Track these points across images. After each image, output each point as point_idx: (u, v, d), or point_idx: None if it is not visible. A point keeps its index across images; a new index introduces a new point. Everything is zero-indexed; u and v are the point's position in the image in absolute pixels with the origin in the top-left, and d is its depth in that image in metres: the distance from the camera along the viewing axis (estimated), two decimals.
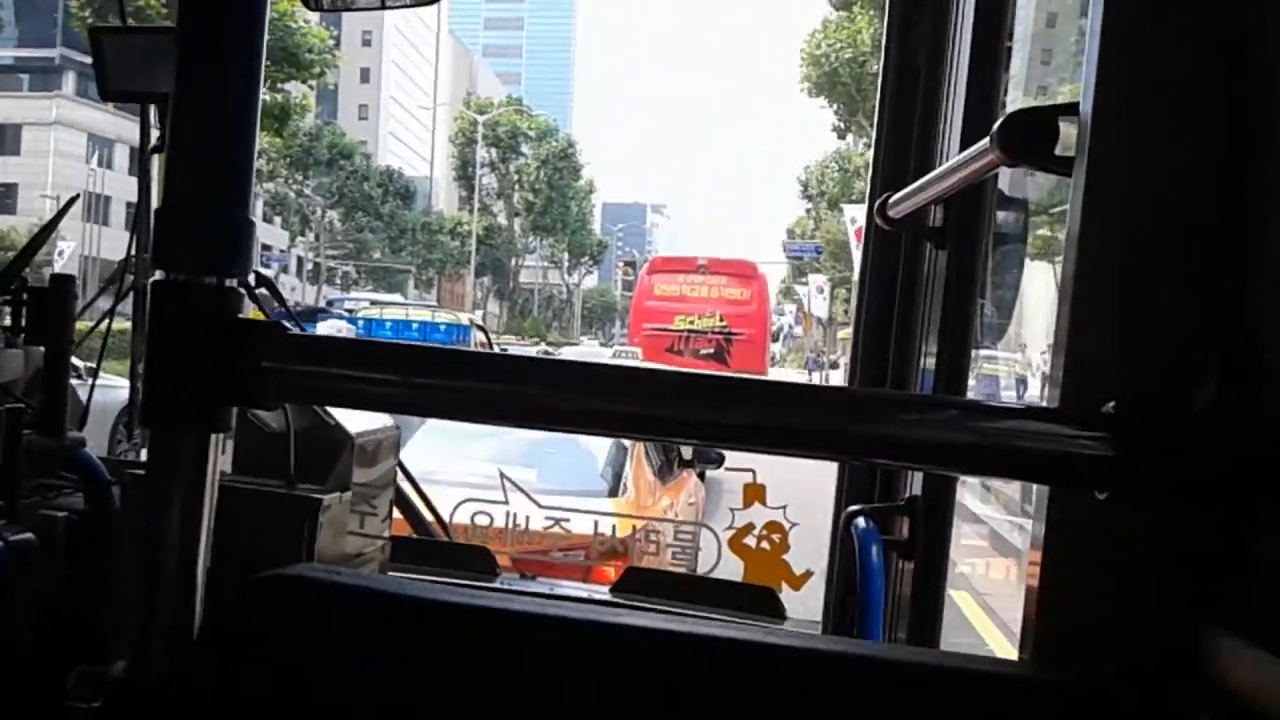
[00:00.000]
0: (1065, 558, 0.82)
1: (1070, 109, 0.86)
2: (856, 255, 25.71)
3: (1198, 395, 0.76)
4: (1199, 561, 0.76)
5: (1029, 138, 0.95)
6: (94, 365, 2.13)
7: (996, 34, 1.58)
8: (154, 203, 2.07)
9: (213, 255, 0.83)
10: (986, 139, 1.04)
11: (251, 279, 1.62)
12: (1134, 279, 0.79)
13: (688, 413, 0.84)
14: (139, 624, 0.86)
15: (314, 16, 29.35)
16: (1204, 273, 0.78)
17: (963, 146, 1.48)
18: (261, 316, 1.69)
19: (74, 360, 1.75)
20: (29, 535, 1.44)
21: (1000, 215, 1.94)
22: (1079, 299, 0.80)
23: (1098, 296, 0.80)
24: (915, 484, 1.67)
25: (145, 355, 0.87)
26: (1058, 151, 0.91)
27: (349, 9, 1.52)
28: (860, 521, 1.64)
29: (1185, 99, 0.79)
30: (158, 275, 0.83)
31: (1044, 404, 0.84)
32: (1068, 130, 0.88)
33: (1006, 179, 1.88)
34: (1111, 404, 0.76)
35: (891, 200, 1.63)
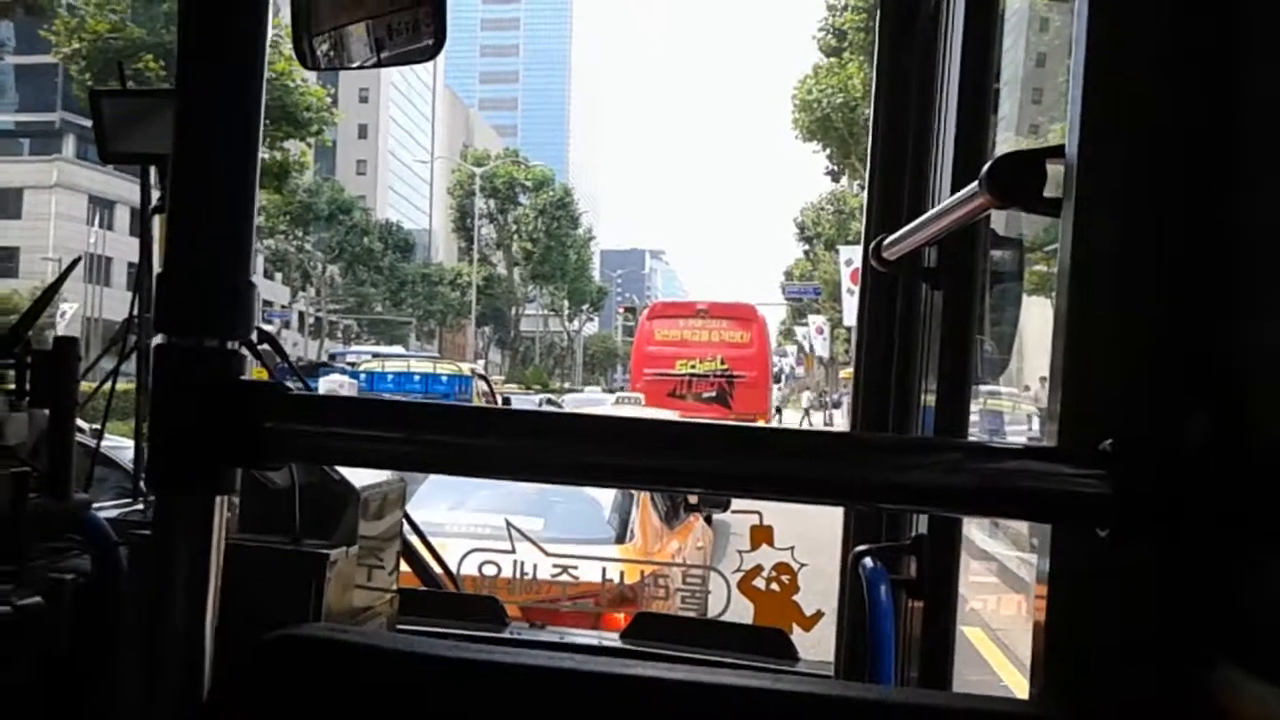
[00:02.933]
0: (1070, 595, 0.82)
1: (1057, 151, 0.87)
2: (848, 299, 25.50)
3: (1194, 431, 0.77)
4: (1202, 596, 0.76)
5: (1017, 180, 0.96)
6: (98, 426, 2.14)
7: (984, 77, 1.60)
8: (155, 263, 2.08)
9: (214, 318, 0.84)
10: (976, 182, 1.05)
11: (254, 336, 1.63)
12: (1127, 317, 0.80)
13: (692, 463, 0.84)
14: (147, 688, 0.86)
15: (311, 75, 29.65)
16: (1196, 309, 0.79)
17: (954, 189, 1.50)
18: (265, 373, 1.70)
19: (79, 422, 1.75)
20: (37, 599, 1.44)
21: (996, 254, 1.95)
22: (1073, 338, 0.81)
23: (1092, 335, 0.81)
24: (921, 523, 1.67)
25: (148, 419, 0.87)
26: (1047, 193, 0.92)
27: (345, 68, 1.54)
28: (868, 561, 1.64)
29: (1170, 139, 0.80)
30: (159, 339, 0.84)
31: (1043, 443, 0.85)
32: (1056, 171, 0.90)
33: (1000, 217, 1.89)
34: (1109, 442, 0.76)
35: (886, 242, 1.64)
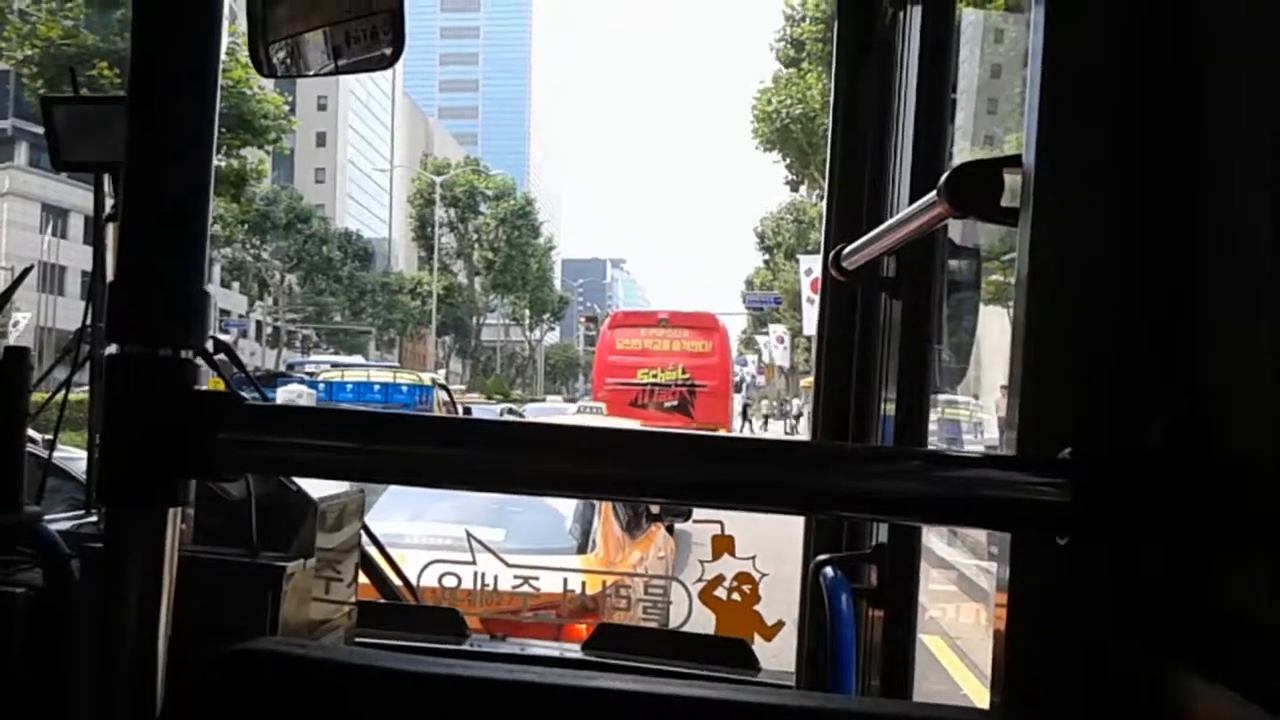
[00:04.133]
0: (1030, 603, 0.82)
1: (1014, 161, 0.88)
2: (808, 308, 25.71)
3: (1152, 438, 0.78)
4: (1161, 603, 0.77)
5: (975, 190, 0.97)
6: (50, 437, 2.10)
7: (941, 87, 1.62)
8: (109, 272, 2.06)
9: (167, 327, 0.83)
10: (934, 192, 1.06)
11: (210, 346, 1.61)
12: (1085, 325, 0.81)
13: (652, 472, 0.84)
14: (100, 703, 0.84)
15: (269, 82, 29.43)
16: (1154, 316, 0.79)
17: (912, 198, 1.51)
18: (220, 384, 1.68)
19: (31, 432, 1.72)
20: None
21: (954, 263, 1.97)
22: (1031, 347, 0.81)
23: (1050, 344, 0.81)
24: (882, 532, 1.68)
25: (101, 429, 0.86)
26: (1004, 202, 0.93)
27: (302, 75, 1.53)
28: (829, 571, 1.65)
29: (1127, 148, 0.81)
30: (112, 348, 0.83)
31: (1002, 451, 0.85)
32: (1014, 180, 0.90)
33: (958, 227, 1.91)
34: (1068, 450, 0.77)
35: (845, 252, 1.65)
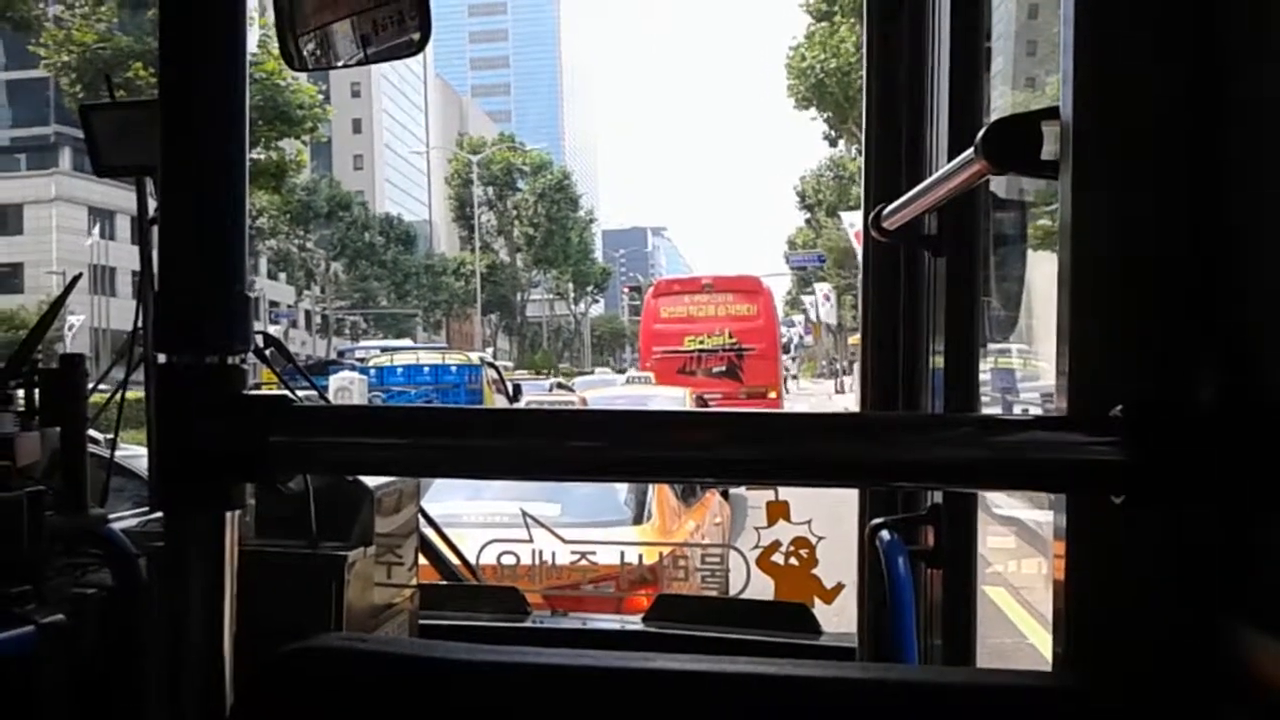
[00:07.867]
0: (1088, 562, 0.81)
1: (1052, 113, 0.86)
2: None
3: (1205, 393, 0.76)
4: (1219, 559, 0.75)
5: (1013, 145, 0.94)
6: (112, 437, 2.14)
7: (974, 38, 1.59)
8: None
9: (211, 334, 0.84)
10: (972, 148, 1.04)
11: (260, 341, 1.62)
12: (1132, 281, 0.79)
13: (704, 453, 0.83)
14: (170, 704, 0.86)
15: (302, 74, 29.56)
16: (1202, 270, 0.77)
17: (951, 152, 1.49)
18: (273, 378, 1.70)
19: (93, 432, 1.76)
20: (59, 616, 1.45)
21: (999, 215, 1.94)
22: (1078, 304, 0.80)
23: (1097, 301, 0.80)
24: (937, 493, 1.66)
25: (155, 438, 0.88)
26: (1045, 154, 0.91)
27: (332, 67, 1.53)
28: (885, 534, 1.64)
29: (1166, 96, 0.79)
30: (161, 358, 0.84)
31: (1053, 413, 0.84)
32: (1053, 132, 0.88)
33: (1000, 178, 1.88)
34: (1119, 408, 0.75)
35: (885, 211, 1.63)
